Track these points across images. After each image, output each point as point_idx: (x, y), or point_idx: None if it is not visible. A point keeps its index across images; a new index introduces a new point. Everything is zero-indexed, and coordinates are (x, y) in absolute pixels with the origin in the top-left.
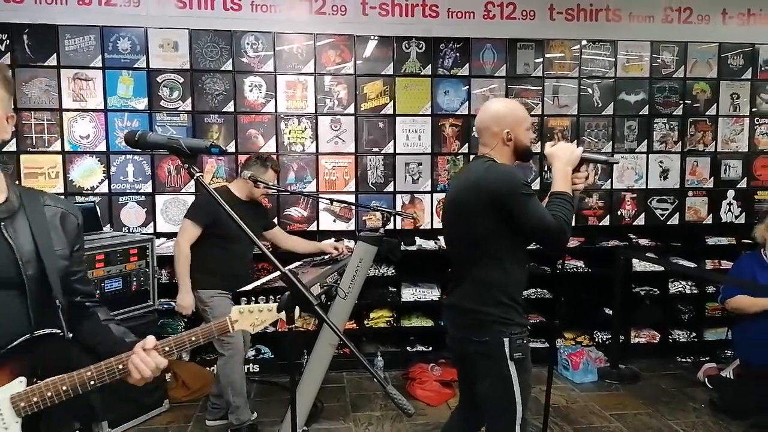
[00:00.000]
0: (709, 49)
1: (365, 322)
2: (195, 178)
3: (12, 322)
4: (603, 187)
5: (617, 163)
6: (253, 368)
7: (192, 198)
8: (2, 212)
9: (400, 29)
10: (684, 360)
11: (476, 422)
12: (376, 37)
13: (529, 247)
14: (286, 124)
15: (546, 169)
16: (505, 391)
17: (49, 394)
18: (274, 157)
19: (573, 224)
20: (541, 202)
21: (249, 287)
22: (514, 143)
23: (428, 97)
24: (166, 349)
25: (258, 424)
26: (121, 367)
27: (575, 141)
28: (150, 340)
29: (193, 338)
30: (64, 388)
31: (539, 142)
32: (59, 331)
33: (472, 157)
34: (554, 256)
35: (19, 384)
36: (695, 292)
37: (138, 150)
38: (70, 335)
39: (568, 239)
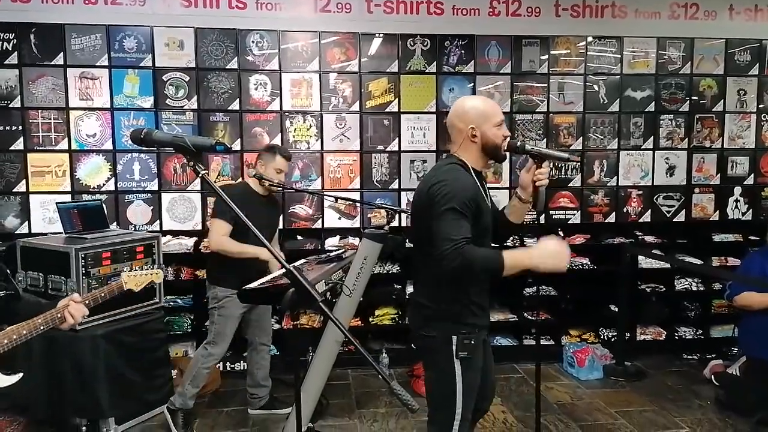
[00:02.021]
0: (716, 45)
1: (370, 319)
2: (200, 175)
3: None
4: (609, 184)
5: (578, 161)
6: None
7: (198, 196)
8: None
9: (404, 27)
10: (690, 357)
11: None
12: (380, 35)
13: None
14: (291, 122)
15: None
16: (448, 387)
17: (14, 337)
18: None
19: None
20: (462, 222)
21: (254, 285)
22: (481, 140)
23: (433, 94)
24: (86, 302)
25: (194, 414)
26: (59, 315)
27: (544, 139)
28: (77, 296)
29: (103, 294)
30: (24, 332)
31: (545, 140)
32: (12, 291)
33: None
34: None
35: None
36: (701, 289)
37: (144, 148)
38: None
39: (451, 270)
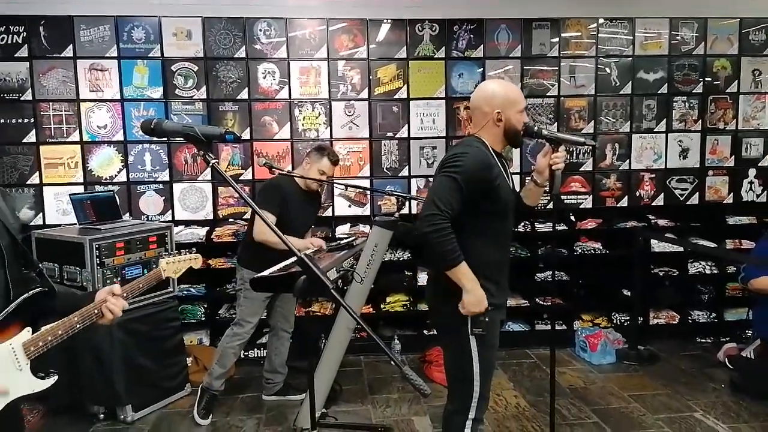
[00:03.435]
0: (730, 24)
1: (382, 306)
2: (211, 165)
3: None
4: (621, 168)
5: (595, 145)
6: None
7: (209, 186)
8: None
9: (413, 12)
10: (704, 341)
11: None
12: (388, 21)
13: (542, 230)
14: (300, 110)
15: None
16: (465, 364)
17: (50, 338)
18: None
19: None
20: (456, 194)
21: (266, 273)
22: (505, 124)
23: (442, 80)
24: (125, 294)
25: (218, 396)
26: (96, 311)
27: (555, 124)
28: (117, 288)
29: (141, 284)
30: (60, 332)
31: (556, 124)
32: (46, 288)
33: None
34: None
35: (26, 333)
36: (715, 272)
37: (154, 138)
38: (56, 289)
39: (421, 235)
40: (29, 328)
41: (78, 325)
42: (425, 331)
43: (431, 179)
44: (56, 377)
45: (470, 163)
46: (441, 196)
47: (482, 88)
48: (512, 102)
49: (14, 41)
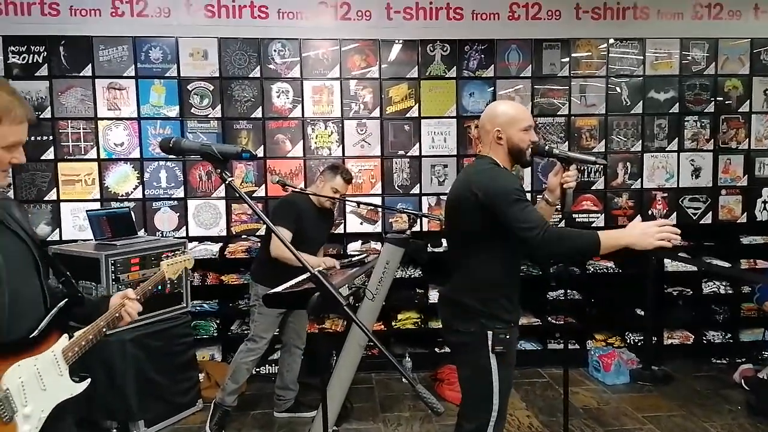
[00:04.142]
0: (741, 44)
1: (393, 323)
2: (227, 183)
3: (38, 296)
4: (633, 187)
5: (606, 164)
6: None
7: (223, 203)
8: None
9: (424, 32)
10: (719, 361)
11: None
12: (400, 41)
13: None
14: (312, 129)
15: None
16: (485, 382)
17: (83, 343)
18: (347, 168)
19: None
20: (531, 208)
21: (279, 289)
22: (507, 143)
23: (453, 99)
24: (138, 297)
25: (230, 412)
26: (117, 315)
27: (566, 142)
28: (131, 292)
29: (150, 286)
30: (90, 336)
31: (567, 143)
32: (75, 295)
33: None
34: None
35: (65, 339)
36: (730, 292)
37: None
38: (86, 296)
39: (548, 253)
40: (66, 335)
41: (105, 330)
42: (437, 349)
43: (442, 196)
44: (89, 379)
45: (508, 178)
46: (526, 218)
47: (488, 108)
48: (513, 120)
49: (35, 60)
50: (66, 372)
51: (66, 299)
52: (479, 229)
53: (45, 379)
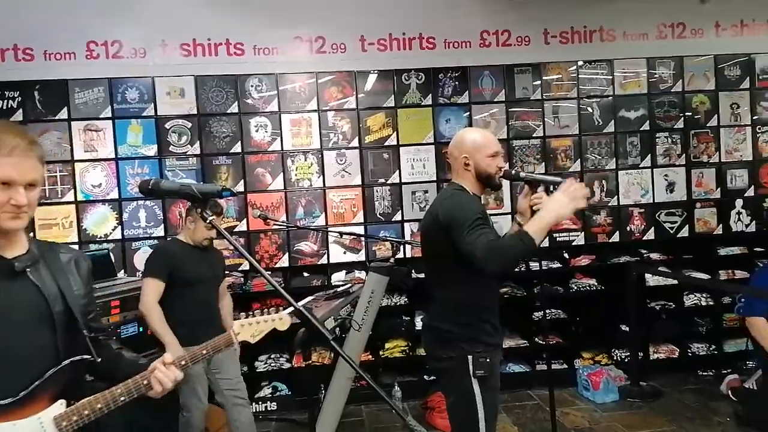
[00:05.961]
0: (705, 61)
1: (380, 352)
2: (208, 221)
3: (43, 353)
4: (610, 204)
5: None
6: (270, 406)
7: None
8: (27, 261)
9: (398, 62)
10: (705, 373)
11: None
12: (375, 72)
13: (537, 268)
14: (292, 161)
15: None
16: (469, 407)
17: (86, 412)
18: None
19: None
20: (481, 231)
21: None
22: (474, 169)
23: (430, 126)
24: (182, 362)
25: None
26: (145, 382)
27: (543, 164)
28: (168, 356)
29: (204, 351)
30: (99, 405)
31: (543, 164)
32: (89, 357)
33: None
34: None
35: (60, 406)
36: (711, 303)
37: (152, 197)
38: (99, 359)
39: (497, 268)
40: (63, 401)
41: (122, 398)
42: (426, 377)
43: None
44: None
45: (467, 204)
46: (476, 239)
47: (456, 136)
48: (479, 147)
49: (9, 106)
50: None
51: (71, 359)
52: (447, 253)
53: None
